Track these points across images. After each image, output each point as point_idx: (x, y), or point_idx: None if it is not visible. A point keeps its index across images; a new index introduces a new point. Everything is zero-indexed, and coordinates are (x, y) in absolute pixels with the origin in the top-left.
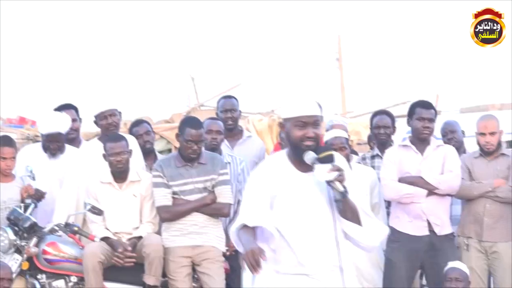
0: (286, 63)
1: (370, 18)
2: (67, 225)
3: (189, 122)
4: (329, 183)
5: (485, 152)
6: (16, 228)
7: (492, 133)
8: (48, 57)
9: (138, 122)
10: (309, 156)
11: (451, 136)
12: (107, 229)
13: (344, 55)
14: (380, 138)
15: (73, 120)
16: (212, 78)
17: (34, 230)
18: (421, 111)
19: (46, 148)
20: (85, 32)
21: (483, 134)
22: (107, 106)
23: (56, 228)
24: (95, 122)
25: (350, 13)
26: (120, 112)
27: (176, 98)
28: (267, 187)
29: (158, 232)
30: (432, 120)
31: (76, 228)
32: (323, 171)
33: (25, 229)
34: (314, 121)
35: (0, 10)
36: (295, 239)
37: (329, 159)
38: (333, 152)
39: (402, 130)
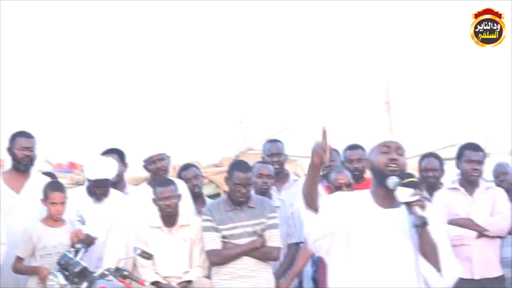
0: (335, 105)
1: (418, 62)
2: (117, 269)
3: (238, 165)
4: (409, 207)
5: None
6: (67, 273)
7: None
8: (96, 101)
9: (186, 166)
10: (393, 180)
11: (503, 178)
12: (157, 274)
13: (393, 98)
14: (429, 181)
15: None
16: (261, 122)
17: (84, 274)
18: (470, 154)
19: (92, 193)
20: (134, 78)
21: None
22: (156, 151)
23: (106, 272)
24: (144, 167)
25: (399, 56)
26: (169, 157)
27: (225, 142)
28: (347, 205)
29: (208, 276)
30: (481, 162)
31: (126, 273)
32: (405, 194)
33: (75, 274)
34: (396, 147)
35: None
36: (372, 272)
37: (412, 185)
38: (417, 180)
39: (451, 173)
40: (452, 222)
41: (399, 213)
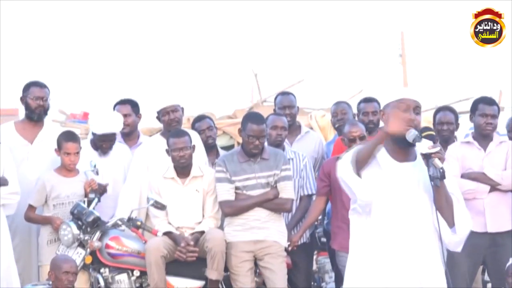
0: (350, 58)
1: (433, 15)
2: (130, 219)
3: (252, 117)
4: (428, 159)
5: None
6: (80, 223)
7: None
8: (111, 52)
9: (200, 118)
10: (411, 133)
11: None
12: (170, 224)
13: (407, 51)
14: (443, 135)
15: (127, 115)
16: (275, 74)
17: (97, 224)
18: (484, 107)
19: (97, 147)
20: (150, 29)
21: None
22: (169, 102)
23: (119, 222)
24: (158, 118)
25: (414, 9)
26: (182, 108)
27: (239, 93)
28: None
29: (221, 227)
30: (495, 116)
31: (139, 223)
32: (424, 146)
33: (88, 224)
34: (415, 107)
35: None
36: (391, 227)
37: (430, 138)
38: (434, 133)
39: (465, 126)
40: (465, 176)
41: (415, 166)
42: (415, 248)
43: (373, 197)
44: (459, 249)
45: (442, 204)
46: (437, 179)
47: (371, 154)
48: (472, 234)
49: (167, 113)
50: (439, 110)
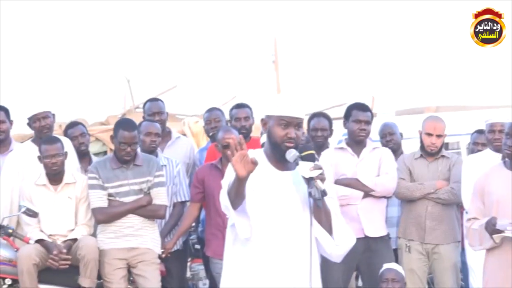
0: (223, 64)
1: (306, 20)
2: (1, 227)
3: (123, 124)
4: (310, 181)
5: (427, 153)
6: None
7: (438, 136)
8: None
9: (72, 124)
10: (292, 154)
11: (390, 138)
12: (42, 232)
13: (280, 57)
14: (317, 141)
15: (1, 122)
16: (148, 80)
17: None
18: (358, 114)
19: None
20: (21, 32)
21: (429, 134)
22: (40, 109)
23: None
24: (28, 124)
25: (286, 14)
26: (53, 114)
27: (112, 100)
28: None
29: (94, 235)
30: (368, 123)
31: (10, 231)
32: (306, 168)
33: None
34: (297, 123)
35: None
36: (267, 234)
37: (311, 158)
38: (314, 152)
39: (339, 132)
40: (338, 182)
41: (294, 175)
42: (291, 256)
43: (251, 234)
44: (339, 260)
45: (321, 218)
46: (319, 200)
47: (238, 195)
48: None
49: (38, 120)
50: (313, 116)
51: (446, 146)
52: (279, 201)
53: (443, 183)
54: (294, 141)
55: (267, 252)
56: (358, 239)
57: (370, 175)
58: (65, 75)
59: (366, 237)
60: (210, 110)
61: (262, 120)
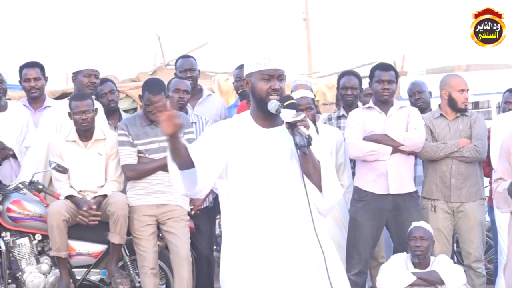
0: (254, 22)
1: None
2: (32, 183)
3: (149, 86)
4: (293, 128)
5: (459, 109)
6: None
7: (468, 90)
8: (20, 14)
9: (102, 81)
10: (273, 104)
11: (419, 96)
12: (72, 188)
13: (311, 15)
14: (347, 99)
15: (37, 79)
16: (179, 37)
17: None
18: (380, 74)
19: None
20: None
21: (462, 90)
22: (90, 65)
23: (21, 186)
24: (74, 79)
25: None
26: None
27: (143, 57)
28: (225, 136)
29: (123, 191)
30: (391, 82)
31: (40, 186)
32: (289, 115)
33: None
34: (279, 75)
35: None
36: (260, 191)
37: (292, 107)
38: (295, 101)
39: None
40: (368, 138)
41: (282, 131)
42: (286, 214)
43: (186, 191)
44: (327, 215)
45: (310, 170)
46: (305, 147)
47: (174, 152)
48: (375, 196)
49: (89, 76)
50: (343, 74)
51: (476, 104)
52: (267, 157)
53: (466, 141)
54: (279, 92)
55: (260, 209)
56: (386, 196)
57: (398, 131)
58: (97, 32)
59: (395, 194)
60: (241, 67)
61: (243, 80)
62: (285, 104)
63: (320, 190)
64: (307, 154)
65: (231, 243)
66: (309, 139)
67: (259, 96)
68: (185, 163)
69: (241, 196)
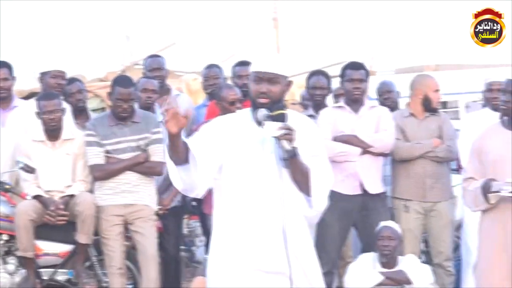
0: (222, 21)
1: None
2: None
3: (119, 81)
4: (276, 141)
5: (432, 109)
6: None
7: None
8: None
9: (70, 81)
10: (261, 113)
11: (387, 96)
12: (39, 188)
13: (280, 15)
14: (316, 99)
15: (5, 79)
16: (147, 37)
17: None
18: (351, 73)
19: None
20: None
21: (437, 90)
22: (57, 66)
23: None
24: (40, 79)
25: None
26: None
27: (111, 56)
28: (223, 133)
29: (91, 191)
30: (362, 81)
31: (7, 186)
32: (272, 128)
33: None
34: (269, 78)
35: None
36: (246, 192)
37: (280, 118)
38: (286, 112)
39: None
40: (337, 139)
41: None
42: (266, 217)
43: (185, 187)
44: (314, 222)
45: (297, 178)
46: (286, 161)
47: (174, 150)
48: (343, 197)
49: (55, 77)
50: (312, 74)
51: (444, 104)
52: (259, 158)
53: (439, 141)
54: (267, 96)
55: (245, 208)
56: (355, 196)
57: (368, 132)
58: (65, 31)
59: (363, 195)
60: (209, 67)
61: (249, 75)
62: (273, 114)
63: (310, 196)
64: (290, 166)
65: (218, 242)
66: (291, 153)
67: (251, 97)
68: (182, 160)
69: (231, 196)
